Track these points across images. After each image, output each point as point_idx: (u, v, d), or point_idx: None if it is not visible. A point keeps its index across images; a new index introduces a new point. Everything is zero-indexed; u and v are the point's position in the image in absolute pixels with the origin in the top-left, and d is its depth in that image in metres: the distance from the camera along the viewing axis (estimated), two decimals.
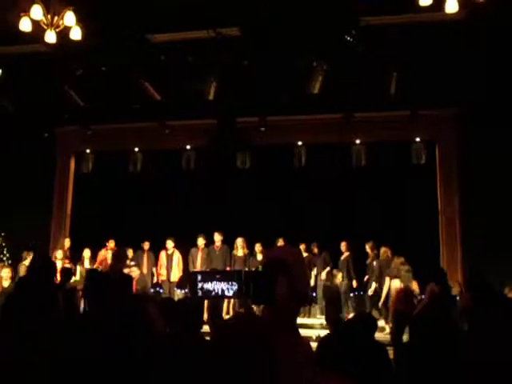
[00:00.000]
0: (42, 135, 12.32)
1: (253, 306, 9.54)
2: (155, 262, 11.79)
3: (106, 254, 11.54)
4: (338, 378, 1.43)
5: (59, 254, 11.32)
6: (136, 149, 13.03)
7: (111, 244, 11.80)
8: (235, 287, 1.29)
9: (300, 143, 12.28)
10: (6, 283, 10.45)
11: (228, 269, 10.97)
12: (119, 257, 6.59)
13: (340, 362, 2.63)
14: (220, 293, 1.30)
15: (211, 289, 1.30)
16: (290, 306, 1.25)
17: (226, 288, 1.29)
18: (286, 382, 1.22)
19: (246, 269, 9.97)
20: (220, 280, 1.31)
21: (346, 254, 11.01)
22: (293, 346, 1.24)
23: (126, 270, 10.60)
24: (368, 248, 10.83)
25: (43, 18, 7.45)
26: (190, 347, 3.15)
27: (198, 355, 3.01)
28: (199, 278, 1.33)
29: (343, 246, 11.03)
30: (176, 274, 11.44)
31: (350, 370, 2.42)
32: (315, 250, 11.51)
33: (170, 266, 11.55)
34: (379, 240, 10.80)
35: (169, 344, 3.19)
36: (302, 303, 1.31)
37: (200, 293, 1.37)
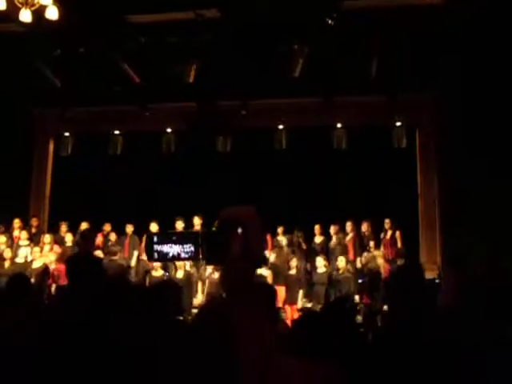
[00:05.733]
0: (18, 117, 12.09)
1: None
2: (139, 245, 11.71)
3: (102, 239, 11.42)
4: (317, 361, 1.42)
5: (23, 234, 11.25)
6: (116, 131, 12.89)
7: (107, 227, 11.71)
8: (191, 249, 1.26)
9: (281, 127, 12.25)
10: None
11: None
12: (87, 238, 6.46)
13: (318, 345, 2.60)
14: (176, 255, 1.27)
15: (166, 251, 1.28)
16: (244, 266, 1.22)
17: (182, 250, 1.26)
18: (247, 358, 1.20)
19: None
20: (176, 242, 1.28)
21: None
22: (249, 322, 1.21)
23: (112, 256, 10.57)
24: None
25: None
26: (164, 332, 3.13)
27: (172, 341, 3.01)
28: (155, 239, 1.30)
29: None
30: None
31: (328, 355, 2.42)
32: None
33: None
34: (359, 223, 10.93)
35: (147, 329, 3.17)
36: (257, 265, 1.29)
37: (156, 255, 1.34)
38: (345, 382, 1.38)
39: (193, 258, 1.27)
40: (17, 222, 11.72)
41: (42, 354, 2.55)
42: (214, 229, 1.24)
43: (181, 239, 1.25)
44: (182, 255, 1.24)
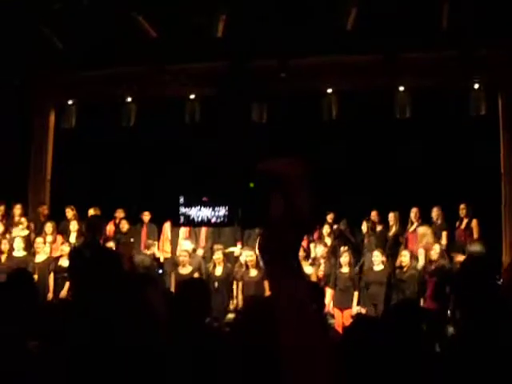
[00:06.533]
0: (12, 84, 12.39)
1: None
2: (157, 236, 12.00)
3: (113, 228, 11.72)
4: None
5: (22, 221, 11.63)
6: (128, 99, 13.10)
7: (119, 214, 12.00)
8: (224, 212, 1.29)
9: (330, 91, 12.25)
10: None
11: (239, 244, 11.19)
12: (93, 227, 6.67)
13: (373, 359, 2.68)
14: (206, 220, 1.32)
15: (195, 215, 1.32)
16: (288, 231, 1.22)
17: (213, 214, 1.30)
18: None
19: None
20: (206, 204, 1.32)
21: (416, 223, 11.03)
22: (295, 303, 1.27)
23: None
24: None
25: None
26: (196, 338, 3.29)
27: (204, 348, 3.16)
28: (181, 200, 1.34)
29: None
30: None
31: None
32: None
33: (175, 240, 11.71)
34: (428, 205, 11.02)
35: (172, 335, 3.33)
36: (304, 229, 1.27)
37: (182, 219, 1.39)
38: None
39: (226, 223, 1.32)
40: (18, 208, 12.06)
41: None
42: (251, 185, 1.25)
43: (211, 201, 1.31)
44: (213, 220, 1.29)
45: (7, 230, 11.75)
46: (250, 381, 1.78)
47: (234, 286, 10.55)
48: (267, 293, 9.65)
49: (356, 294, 10.22)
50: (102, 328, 2.83)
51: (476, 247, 9.61)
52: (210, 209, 1.32)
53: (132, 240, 11.52)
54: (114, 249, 9.83)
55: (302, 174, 1.25)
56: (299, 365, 1.23)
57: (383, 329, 3.11)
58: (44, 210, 12.50)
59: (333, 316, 10.00)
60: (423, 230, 10.37)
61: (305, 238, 10.26)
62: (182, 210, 1.33)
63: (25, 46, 11.11)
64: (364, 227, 11.27)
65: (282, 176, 1.23)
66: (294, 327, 1.23)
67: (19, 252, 10.81)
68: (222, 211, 1.31)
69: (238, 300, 10.38)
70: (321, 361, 1.24)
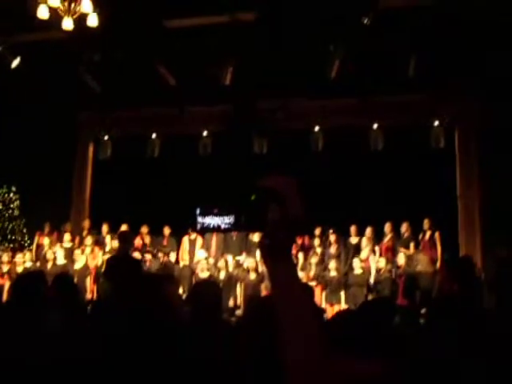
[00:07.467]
0: (60, 122, 12.45)
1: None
2: (177, 247, 11.96)
3: (140, 241, 11.67)
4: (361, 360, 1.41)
5: (66, 236, 11.63)
6: (153, 135, 13.16)
7: (144, 230, 11.97)
8: (231, 220, 1.32)
9: (317, 128, 12.30)
10: (28, 264, 10.84)
11: (243, 253, 11.18)
12: (125, 240, 6.70)
13: (358, 344, 2.63)
14: (216, 227, 1.34)
15: (208, 223, 1.34)
16: (283, 233, 1.25)
17: (222, 222, 1.32)
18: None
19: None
20: (217, 214, 1.34)
21: (390, 235, 10.97)
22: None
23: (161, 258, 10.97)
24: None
25: (60, 5, 7.58)
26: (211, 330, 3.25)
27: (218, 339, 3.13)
28: (198, 211, 1.36)
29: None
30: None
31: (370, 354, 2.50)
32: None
33: (192, 250, 11.64)
34: (398, 225, 10.93)
35: (191, 326, 3.29)
36: (297, 231, 1.30)
37: (199, 226, 1.41)
38: (393, 382, 1.37)
39: (232, 228, 1.35)
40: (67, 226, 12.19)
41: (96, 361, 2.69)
42: (252, 198, 1.28)
43: (221, 211, 1.35)
44: (223, 226, 1.33)
45: (54, 243, 11.84)
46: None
47: (238, 287, 10.49)
48: (263, 293, 9.67)
49: (343, 293, 10.17)
50: (134, 317, 2.81)
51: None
52: (220, 217, 1.35)
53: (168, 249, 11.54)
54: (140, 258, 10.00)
55: (293, 188, 1.28)
56: (296, 354, 1.22)
57: (361, 318, 3.07)
58: (86, 224, 12.50)
59: (325, 311, 9.93)
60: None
61: (295, 246, 10.23)
62: (199, 219, 1.37)
63: (70, 90, 11.20)
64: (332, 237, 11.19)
65: (277, 190, 1.26)
66: (292, 319, 1.23)
67: (61, 260, 10.85)
68: (229, 219, 1.33)
69: (238, 298, 10.36)
70: (317, 350, 1.22)
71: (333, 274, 10.25)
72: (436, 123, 11.62)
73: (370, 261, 10.42)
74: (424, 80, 10.37)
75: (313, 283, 9.91)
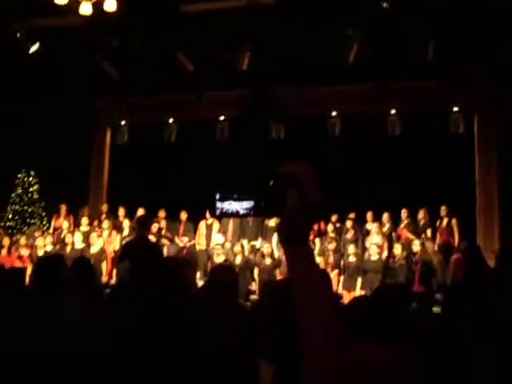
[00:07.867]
0: (78, 108, 12.51)
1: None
2: (194, 232, 11.99)
3: (158, 226, 11.73)
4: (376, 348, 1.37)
5: (84, 220, 11.76)
6: (170, 120, 13.18)
7: (162, 214, 12.01)
8: (250, 205, 1.31)
9: (334, 113, 12.23)
10: (48, 248, 10.99)
11: (259, 238, 11.20)
12: (143, 224, 6.76)
13: (372, 331, 2.63)
14: (235, 212, 1.34)
15: (227, 208, 1.34)
16: (301, 218, 1.26)
17: (241, 207, 1.32)
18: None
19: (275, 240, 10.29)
20: (235, 200, 1.34)
21: (406, 221, 10.89)
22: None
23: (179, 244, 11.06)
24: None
25: None
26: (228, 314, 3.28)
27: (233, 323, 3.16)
28: (217, 196, 1.35)
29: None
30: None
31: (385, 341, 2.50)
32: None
33: (209, 235, 11.67)
34: (415, 211, 10.87)
35: (208, 310, 3.32)
36: (315, 216, 1.30)
37: (218, 212, 1.40)
38: (409, 370, 1.35)
39: (251, 213, 1.36)
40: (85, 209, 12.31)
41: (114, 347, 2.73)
42: (270, 184, 1.28)
43: (241, 196, 1.35)
44: (241, 211, 1.33)
45: (73, 227, 11.97)
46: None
47: (255, 271, 10.53)
48: (278, 277, 9.68)
49: (360, 279, 10.16)
50: (150, 304, 2.85)
51: None
52: (239, 203, 1.35)
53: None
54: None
55: (311, 173, 1.29)
56: (314, 340, 1.22)
57: (377, 305, 3.07)
58: (104, 208, 12.60)
59: (342, 296, 9.93)
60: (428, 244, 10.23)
61: (311, 232, 10.20)
62: (218, 204, 1.37)
63: (88, 75, 11.24)
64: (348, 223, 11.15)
65: (295, 175, 1.27)
66: (310, 304, 1.23)
67: (79, 244, 10.96)
68: (248, 204, 1.33)
69: (254, 283, 10.39)
70: (335, 336, 1.23)
71: (352, 259, 10.24)
72: (455, 109, 11.49)
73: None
74: (443, 65, 10.24)
75: (330, 269, 9.90)
